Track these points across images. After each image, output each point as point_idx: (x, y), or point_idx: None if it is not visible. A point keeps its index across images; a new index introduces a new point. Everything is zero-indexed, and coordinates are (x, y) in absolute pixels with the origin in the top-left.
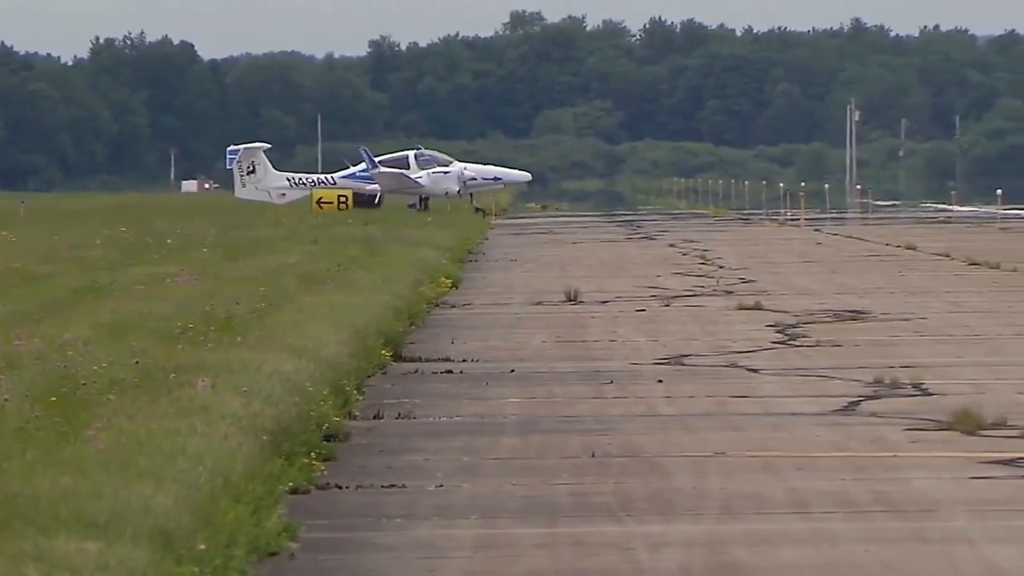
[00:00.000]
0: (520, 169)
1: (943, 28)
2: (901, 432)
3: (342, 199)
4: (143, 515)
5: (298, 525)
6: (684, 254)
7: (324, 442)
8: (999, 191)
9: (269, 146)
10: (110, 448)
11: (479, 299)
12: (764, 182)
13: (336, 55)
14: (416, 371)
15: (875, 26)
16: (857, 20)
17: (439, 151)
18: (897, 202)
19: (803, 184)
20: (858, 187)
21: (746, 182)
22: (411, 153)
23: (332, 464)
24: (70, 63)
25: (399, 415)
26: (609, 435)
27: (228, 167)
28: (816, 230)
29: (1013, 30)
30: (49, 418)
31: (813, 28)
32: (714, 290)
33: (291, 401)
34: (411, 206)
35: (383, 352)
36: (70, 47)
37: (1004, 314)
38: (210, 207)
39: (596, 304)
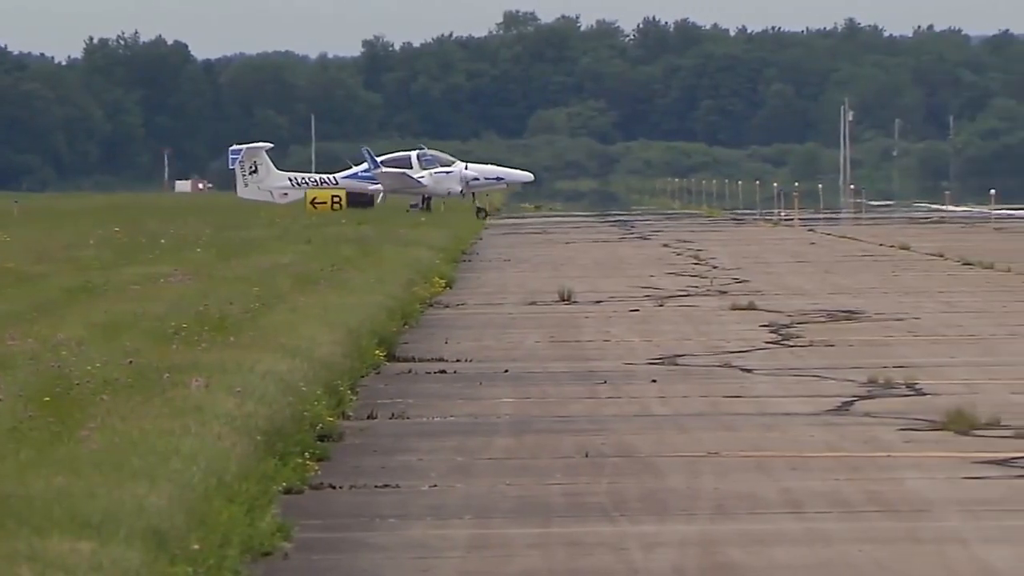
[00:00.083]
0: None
1: (937, 28)
2: (895, 432)
3: (336, 199)
4: (137, 515)
5: (292, 525)
6: (678, 254)
7: (318, 442)
8: (993, 191)
9: (272, 145)
10: (104, 448)
11: (473, 299)
12: (758, 182)
13: (330, 55)
14: (410, 371)
15: (869, 26)
16: (851, 20)
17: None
18: (891, 202)
19: (797, 184)
20: (852, 187)
21: (740, 182)
22: (414, 153)
23: (326, 464)
24: (64, 63)
25: (393, 415)
26: (603, 435)
27: (229, 167)
28: (810, 230)
29: (1007, 30)
30: (43, 418)
31: (807, 28)
32: (708, 290)
33: (285, 401)
34: (413, 206)
35: (377, 352)
36: (64, 47)
37: (998, 314)
38: (204, 207)
39: (590, 304)
